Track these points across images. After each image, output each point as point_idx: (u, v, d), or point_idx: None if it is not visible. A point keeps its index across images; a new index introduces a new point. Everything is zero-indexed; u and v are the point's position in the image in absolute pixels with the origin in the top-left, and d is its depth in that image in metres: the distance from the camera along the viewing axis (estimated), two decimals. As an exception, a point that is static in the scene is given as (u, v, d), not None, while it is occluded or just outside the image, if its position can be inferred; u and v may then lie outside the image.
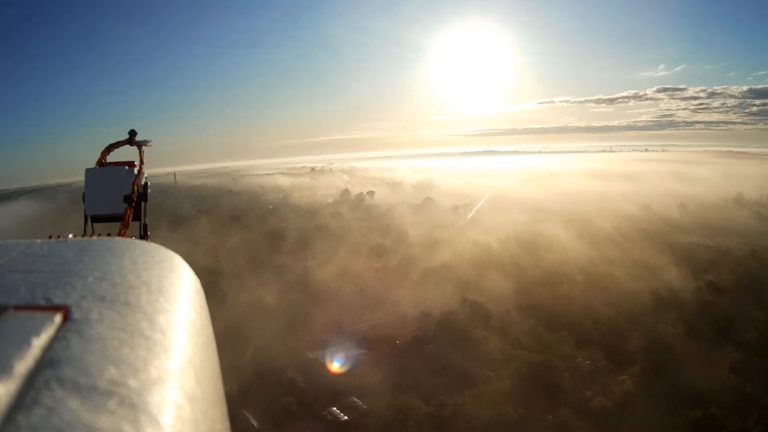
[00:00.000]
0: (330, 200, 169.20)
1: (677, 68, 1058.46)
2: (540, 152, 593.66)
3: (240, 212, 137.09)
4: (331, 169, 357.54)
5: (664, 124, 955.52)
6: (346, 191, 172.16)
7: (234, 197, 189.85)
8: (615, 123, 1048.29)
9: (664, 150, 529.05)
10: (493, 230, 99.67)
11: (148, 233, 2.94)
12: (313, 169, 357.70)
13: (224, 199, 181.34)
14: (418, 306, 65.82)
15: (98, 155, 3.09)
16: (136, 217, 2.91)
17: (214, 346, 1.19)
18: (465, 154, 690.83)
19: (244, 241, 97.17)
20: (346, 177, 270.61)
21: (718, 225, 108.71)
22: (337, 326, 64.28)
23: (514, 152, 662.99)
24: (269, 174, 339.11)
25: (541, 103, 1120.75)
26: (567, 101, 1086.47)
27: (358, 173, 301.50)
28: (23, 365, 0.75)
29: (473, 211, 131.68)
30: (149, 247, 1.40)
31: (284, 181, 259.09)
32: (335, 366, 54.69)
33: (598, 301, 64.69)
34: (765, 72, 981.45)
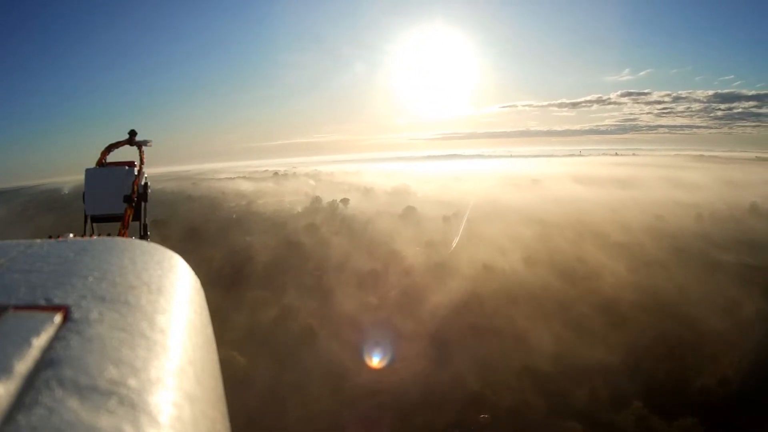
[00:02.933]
0: (299, 208, 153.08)
1: (642, 72, 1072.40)
2: (511, 156, 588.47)
3: (199, 223, 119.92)
4: (295, 173, 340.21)
5: (627, 128, 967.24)
6: (317, 198, 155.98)
7: (193, 204, 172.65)
8: (577, 127, 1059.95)
9: (634, 154, 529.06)
10: (500, 248, 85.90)
11: (148, 233, 2.95)
12: (276, 173, 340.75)
13: (182, 206, 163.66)
14: (458, 383, 49.49)
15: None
16: (136, 217, 2.91)
17: (214, 346, 1.19)
18: (429, 157, 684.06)
19: (202, 265, 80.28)
20: (312, 182, 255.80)
21: (747, 240, 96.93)
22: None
23: (479, 156, 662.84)
24: (231, 178, 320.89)
25: (503, 107, 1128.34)
26: (530, 105, 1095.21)
27: (324, 177, 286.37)
28: (23, 365, 0.75)
29: (466, 221, 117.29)
30: (149, 247, 1.40)
31: (247, 186, 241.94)
32: None
33: (704, 356, 51.47)
34: (732, 76, 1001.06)
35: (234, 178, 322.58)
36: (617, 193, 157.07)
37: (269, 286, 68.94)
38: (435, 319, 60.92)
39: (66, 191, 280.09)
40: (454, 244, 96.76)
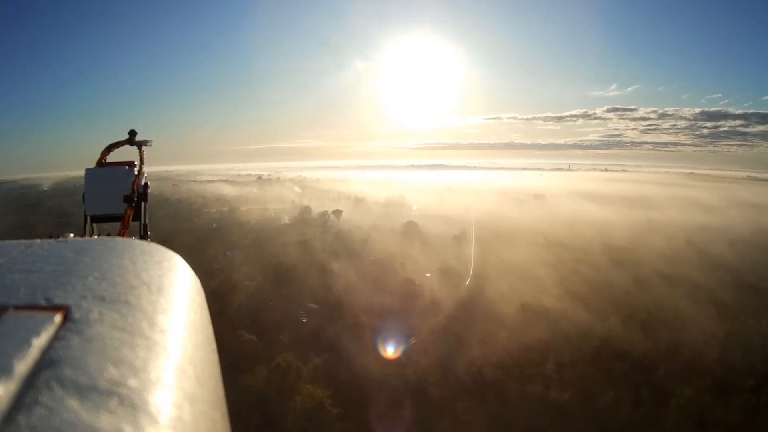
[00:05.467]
0: (286, 219, 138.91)
1: (630, 88, 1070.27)
2: (502, 168, 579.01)
3: (174, 233, 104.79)
4: (279, 178, 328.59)
5: (611, 144, 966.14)
6: (306, 209, 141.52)
7: (171, 208, 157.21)
8: (561, 141, 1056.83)
9: (624, 170, 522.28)
10: (532, 279, 72.66)
11: (148, 233, 2.95)
12: (260, 177, 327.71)
13: (158, 211, 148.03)
14: None
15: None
16: (136, 217, 2.91)
17: (214, 346, 1.18)
18: (414, 167, 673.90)
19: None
20: (297, 188, 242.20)
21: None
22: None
23: (464, 167, 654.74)
24: (212, 181, 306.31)
25: (488, 118, 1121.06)
26: (515, 117, 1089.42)
27: (309, 184, 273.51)
28: (23, 365, 0.74)
29: (478, 242, 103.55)
30: (149, 247, 1.39)
31: (229, 191, 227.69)
32: None
33: None
34: (719, 95, 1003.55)
35: (215, 181, 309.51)
36: (635, 214, 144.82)
37: (254, 327, 54.27)
38: (484, 386, 46.70)
39: (45, 188, 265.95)
40: (470, 269, 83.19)
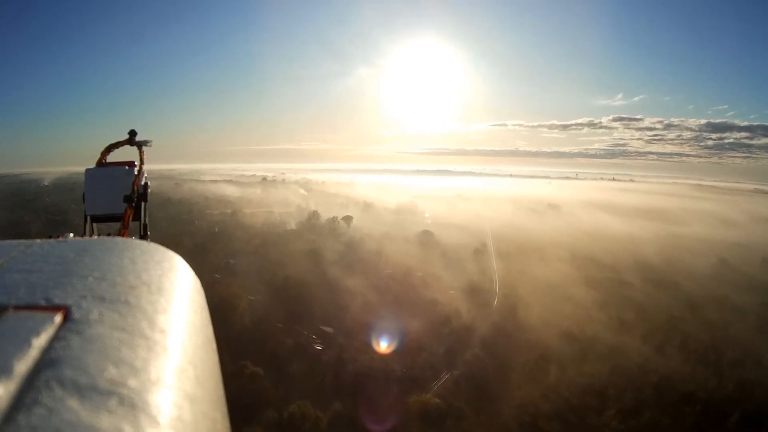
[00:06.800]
0: (293, 224, 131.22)
1: (636, 98, 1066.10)
2: (510, 176, 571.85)
3: (173, 235, 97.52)
4: (284, 180, 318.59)
5: (615, 153, 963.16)
6: (315, 214, 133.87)
7: (172, 209, 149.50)
8: (566, 149, 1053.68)
9: (631, 180, 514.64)
10: (569, 301, 65.28)
11: (148, 233, 2.95)
12: (264, 178, 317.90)
13: (159, 211, 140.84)
14: None
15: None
16: (136, 217, 2.91)
17: (214, 346, 1.19)
18: (419, 171, 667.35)
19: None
20: (302, 191, 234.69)
21: None
22: None
23: (470, 173, 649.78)
24: (215, 181, 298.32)
25: (493, 125, 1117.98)
26: (520, 125, 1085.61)
27: (315, 187, 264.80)
28: (23, 365, 0.74)
29: (499, 255, 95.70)
30: (149, 247, 1.39)
31: (232, 191, 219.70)
32: None
33: None
34: (725, 106, 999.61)
35: (219, 181, 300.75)
36: (655, 227, 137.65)
37: (260, 356, 46.50)
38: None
39: (46, 183, 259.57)
40: (496, 287, 75.56)
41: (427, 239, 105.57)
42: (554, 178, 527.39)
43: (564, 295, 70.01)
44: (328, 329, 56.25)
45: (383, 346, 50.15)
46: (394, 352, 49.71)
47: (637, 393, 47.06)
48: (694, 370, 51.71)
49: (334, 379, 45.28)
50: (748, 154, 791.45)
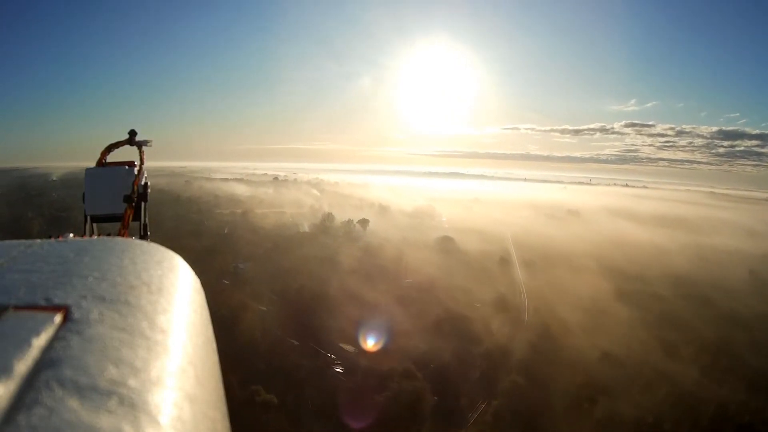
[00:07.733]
0: (306, 226, 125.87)
1: (648, 104, 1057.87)
2: (525, 180, 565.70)
3: (180, 236, 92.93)
4: (296, 179, 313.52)
5: (627, 159, 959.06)
6: (329, 216, 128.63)
7: (180, 208, 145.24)
8: (577, 154, 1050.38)
9: (644, 186, 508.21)
10: (606, 319, 60.37)
11: (148, 233, 2.96)
12: (276, 178, 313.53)
13: (167, 210, 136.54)
14: None
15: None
16: (136, 217, 2.92)
17: (214, 346, 1.18)
18: (432, 174, 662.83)
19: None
20: (315, 191, 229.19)
21: None
22: None
23: (482, 176, 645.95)
24: (226, 179, 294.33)
25: (505, 128, 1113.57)
26: (532, 129, 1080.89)
27: (327, 187, 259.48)
28: (23, 365, 0.74)
29: (525, 265, 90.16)
30: (149, 247, 1.39)
31: (243, 190, 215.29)
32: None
33: None
34: (737, 114, 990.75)
35: (229, 179, 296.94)
36: (679, 236, 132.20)
37: (273, 381, 41.30)
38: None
39: (54, 177, 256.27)
40: (525, 301, 70.08)
41: (448, 246, 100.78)
42: (567, 183, 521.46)
43: (597, 309, 64.99)
44: (349, 347, 51.21)
45: (411, 369, 44.85)
46: (424, 378, 44.45)
47: (693, 427, 41.97)
48: (748, 398, 46.54)
49: (358, 411, 40.02)
50: (758, 162, 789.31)
